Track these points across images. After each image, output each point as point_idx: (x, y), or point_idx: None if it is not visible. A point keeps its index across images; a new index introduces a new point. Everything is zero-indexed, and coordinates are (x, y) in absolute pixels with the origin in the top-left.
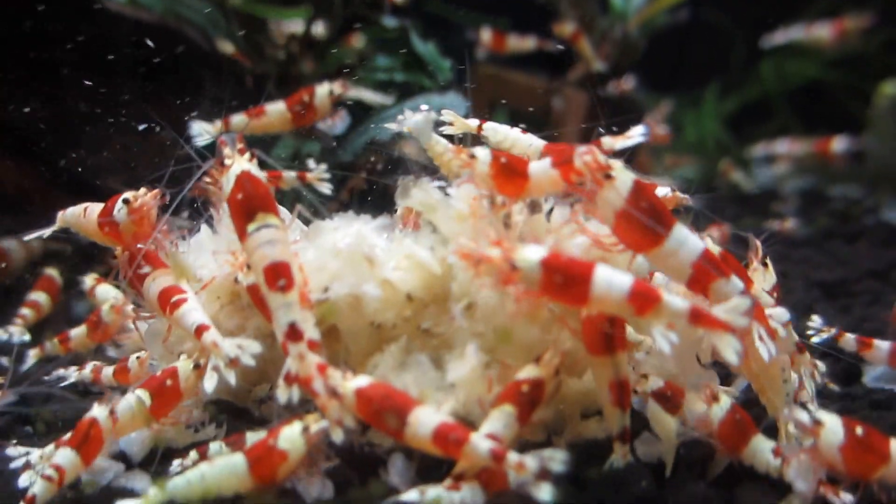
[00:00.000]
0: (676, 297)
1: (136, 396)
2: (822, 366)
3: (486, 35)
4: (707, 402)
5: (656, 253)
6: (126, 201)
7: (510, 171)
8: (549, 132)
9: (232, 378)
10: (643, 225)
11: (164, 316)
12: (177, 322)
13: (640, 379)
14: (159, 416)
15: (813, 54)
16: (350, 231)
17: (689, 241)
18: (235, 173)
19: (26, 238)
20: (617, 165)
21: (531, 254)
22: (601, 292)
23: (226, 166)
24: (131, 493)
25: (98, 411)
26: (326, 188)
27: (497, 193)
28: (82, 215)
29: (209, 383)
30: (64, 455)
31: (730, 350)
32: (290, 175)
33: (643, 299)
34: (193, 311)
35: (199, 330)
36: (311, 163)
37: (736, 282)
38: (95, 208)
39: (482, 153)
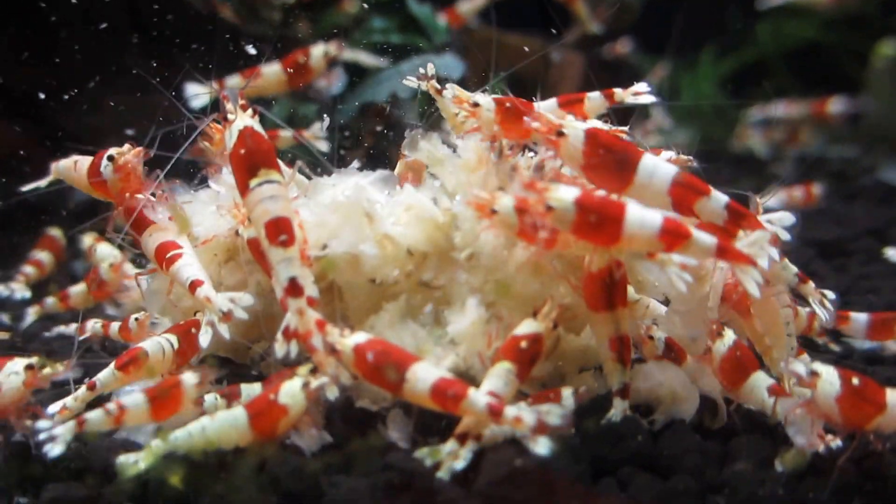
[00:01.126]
0: (704, 233)
1: (165, 339)
2: (830, 294)
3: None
4: (711, 337)
5: (631, 191)
6: (111, 158)
7: (516, 115)
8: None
9: (226, 332)
10: (608, 169)
11: (162, 271)
12: (173, 277)
13: (648, 340)
14: (181, 364)
15: (810, 15)
16: (349, 183)
17: (658, 171)
18: (238, 128)
19: (24, 190)
20: (567, 120)
21: (566, 193)
22: (633, 230)
23: (229, 121)
24: (134, 445)
25: (188, 377)
26: (323, 146)
27: (503, 137)
28: (73, 168)
29: (204, 338)
30: (135, 399)
31: (752, 283)
32: (286, 134)
33: (674, 235)
34: (188, 266)
35: (194, 285)
36: None
37: (718, 196)
38: (85, 162)
39: (485, 100)
